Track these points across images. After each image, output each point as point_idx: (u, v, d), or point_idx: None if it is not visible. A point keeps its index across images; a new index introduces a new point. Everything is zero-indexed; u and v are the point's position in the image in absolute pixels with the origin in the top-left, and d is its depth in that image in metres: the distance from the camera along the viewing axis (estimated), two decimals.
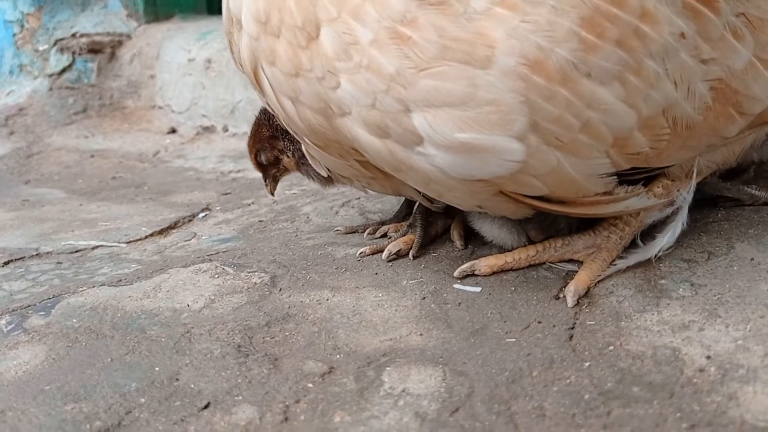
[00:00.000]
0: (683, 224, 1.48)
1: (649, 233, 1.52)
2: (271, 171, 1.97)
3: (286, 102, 1.41)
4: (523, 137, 1.21)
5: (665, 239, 1.46)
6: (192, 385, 1.26)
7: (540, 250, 1.54)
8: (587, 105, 1.21)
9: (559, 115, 1.20)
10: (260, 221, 2.25)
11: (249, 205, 2.50)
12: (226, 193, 2.74)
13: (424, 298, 1.50)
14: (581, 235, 1.52)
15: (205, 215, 2.44)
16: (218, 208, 2.53)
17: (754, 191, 1.66)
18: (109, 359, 1.38)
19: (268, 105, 1.53)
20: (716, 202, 1.69)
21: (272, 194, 2.03)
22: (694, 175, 1.46)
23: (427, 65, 1.21)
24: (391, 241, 1.76)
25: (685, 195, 1.46)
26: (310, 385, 1.23)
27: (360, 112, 1.30)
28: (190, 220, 2.40)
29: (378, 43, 1.24)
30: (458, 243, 1.74)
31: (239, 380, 1.26)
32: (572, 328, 1.31)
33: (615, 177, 1.34)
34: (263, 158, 1.94)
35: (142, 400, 1.23)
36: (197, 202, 2.64)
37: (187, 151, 3.55)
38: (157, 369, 1.32)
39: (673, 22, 1.22)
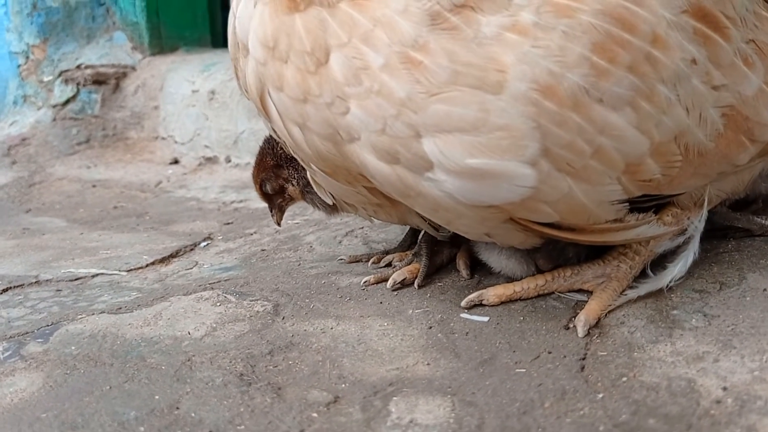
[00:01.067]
0: (695, 254, 1.46)
1: (659, 263, 1.49)
2: (277, 201, 1.95)
3: (294, 128, 1.40)
4: (534, 163, 1.20)
5: (677, 269, 1.44)
6: (193, 414, 1.22)
7: (549, 280, 1.51)
8: (599, 131, 1.19)
9: (571, 141, 1.19)
10: (263, 250, 2.23)
11: (251, 234, 2.48)
12: (228, 223, 2.72)
13: (431, 327, 1.48)
14: (590, 265, 1.50)
15: (207, 244, 2.42)
16: (220, 237, 2.50)
17: (764, 221, 1.64)
18: (108, 387, 1.35)
19: (275, 131, 1.52)
20: (726, 233, 1.67)
21: (278, 224, 2.01)
22: (705, 203, 1.44)
23: (438, 90, 1.20)
24: (396, 270, 1.74)
25: (697, 224, 1.44)
26: (315, 414, 1.19)
27: (369, 137, 1.29)
28: (191, 249, 2.38)
29: (389, 68, 1.23)
30: (464, 272, 1.71)
31: (241, 409, 1.23)
32: (584, 359, 1.28)
33: (626, 204, 1.32)
34: (268, 188, 1.92)
35: (142, 429, 1.19)
36: (199, 231, 2.62)
37: (190, 181, 3.54)
38: (157, 397, 1.29)
39: (684, 48, 1.21)
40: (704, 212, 1.45)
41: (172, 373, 1.38)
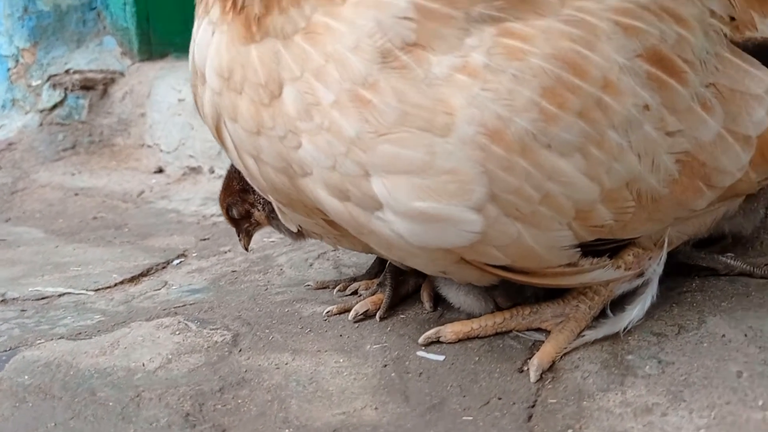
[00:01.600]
0: (653, 297, 1.43)
1: (619, 302, 1.47)
2: (244, 225, 1.93)
3: (249, 159, 1.38)
4: (481, 208, 1.18)
5: (635, 312, 1.41)
6: None
7: (507, 318, 1.49)
8: (547, 177, 1.17)
9: (519, 187, 1.17)
10: (233, 271, 2.21)
11: (225, 252, 2.45)
12: (205, 239, 2.69)
13: (386, 365, 1.45)
14: (550, 304, 1.47)
15: (180, 262, 2.40)
16: (194, 254, 2.48)
17: (729, 261, 1.61)
18: (53, 424, 1.33)
19: (232, 160, 1.50)
20: (690, 270, 1.64)
21: (246, 249, 1.99)
22: (665, 245, 1.42)
23: (386, 130, 1.18)
24: (360, 301, 1.72)
25: (655, 267, 1.42)
26: None
27: (321, 173, 1.27)
28: (163, 267, 2.36)
29: (339, 105, 1.21)
30: (427, 305, 1.69)
31: None
32: (533, 407, 1.25)
33: (578, 249, 1.29)
34: (235, 212, 1.90)
35: None
36: (174, 247, 2.60)
37: (172, 192, 3.51)
38: None
39: (637, 94, 1.19)
40: (663, 255, 1.42)
41: (119, 411, 1.36)
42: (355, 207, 1.28)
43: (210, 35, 1.36)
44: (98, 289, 2.14)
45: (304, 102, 1.23)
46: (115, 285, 2.18)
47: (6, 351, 1.67)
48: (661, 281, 1.48)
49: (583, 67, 1.15)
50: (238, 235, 1.98)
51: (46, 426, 1.32)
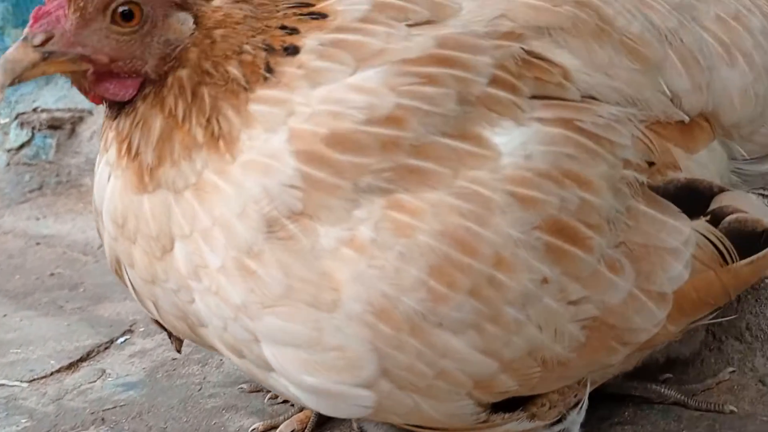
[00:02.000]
0: None
1: None
2: None
3: (149, 303, 1.35)
4: (372, 384, 1.13)
5: None
6: None
7: None
8: (440, 355, 1.12)
9: (411, 364, 1.12)
10: (173, 359, 2.15)
11: None
12: None
13: None
14: None
15: (125, 341, 2.34)
16: (141, 329, 2.41)
17: (662, 390, 1.54)
18: None
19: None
20: (624, 396, 1.57)
21: (179, 351, 1.93)
22: (587, 390, 1.35)
23: (272, 303, 1.13)
24: (287, 418, 1.67)
25: (575, 416, 1.35)
26: None
27: (215, 331, 1.24)
28: (106, 348, 2.30)
29: (225, 271, 1.16)
30: (355, 425, 1.63)
31: None
32: None
33: (484, 411, 1.23)
34: None
35: None
36: (124, 317, 2.52)
37: None
38: None
39: (533, 268, 1.13)
40: (584, 401, 1.35)
41: None
42: (252, 365, 1.24)
43: (107, 177, 1.32)
44: (33, 380, 2.09)
45: (193, 262, 1.19)
46: (51, 374, 2.12)
47: None
48: (594, 408, 1.42)
49: (472, 245, 1.09)
50: (170, 337, 1.92)
51: None
